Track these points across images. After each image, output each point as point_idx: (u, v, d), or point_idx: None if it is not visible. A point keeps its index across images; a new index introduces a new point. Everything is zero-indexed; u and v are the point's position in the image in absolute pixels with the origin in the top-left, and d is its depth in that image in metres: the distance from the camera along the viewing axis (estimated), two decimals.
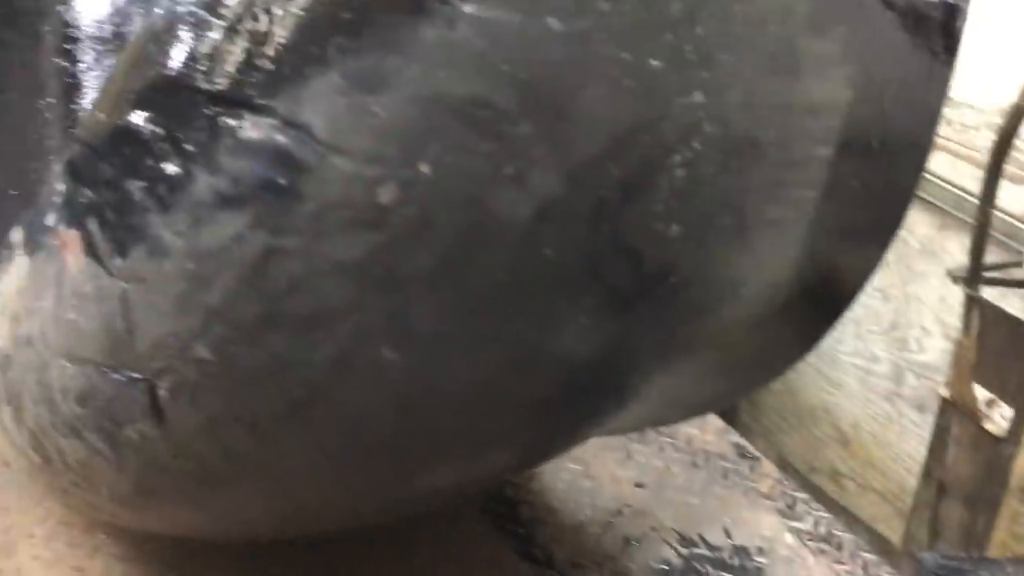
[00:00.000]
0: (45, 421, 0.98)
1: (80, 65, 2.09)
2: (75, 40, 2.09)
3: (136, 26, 2.14)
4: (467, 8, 0.76)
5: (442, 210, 0.81)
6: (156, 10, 0.84)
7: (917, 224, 2.66)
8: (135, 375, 0.88)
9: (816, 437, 3.14)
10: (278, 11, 0.77)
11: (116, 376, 0.89)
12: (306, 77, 0.77)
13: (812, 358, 3.10)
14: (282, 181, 0.79)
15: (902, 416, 2.80)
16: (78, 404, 0.93)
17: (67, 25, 2.09)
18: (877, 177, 1.06)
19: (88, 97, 2.09)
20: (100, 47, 2.12)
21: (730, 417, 3.37)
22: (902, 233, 2.43)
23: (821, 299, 1.14)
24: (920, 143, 1.08)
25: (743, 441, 1.60)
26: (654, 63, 0.82)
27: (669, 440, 1.59)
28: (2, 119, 1.92)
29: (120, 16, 2.15)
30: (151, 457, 0.94)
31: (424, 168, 0.79)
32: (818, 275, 1.09)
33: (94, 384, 0.91)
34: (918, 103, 1.05)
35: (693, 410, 1.36)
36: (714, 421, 1.63)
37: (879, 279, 2.83)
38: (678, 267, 0.93)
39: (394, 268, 0.82)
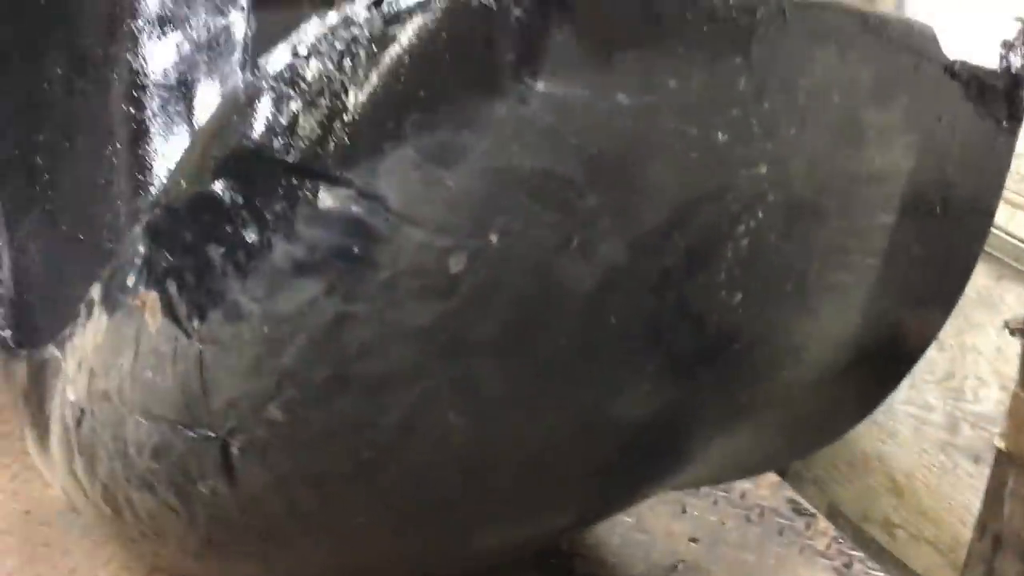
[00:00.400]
0: (118, 474, 1.01)
1: (147, 112, 2.15)
2: (142, 87, 2.16)
3: (200, 74, 2.20)
4: (539, 86, 0.78)
5: (510, 279, 0.83)
6: (238, 82, 0.87)
7: (975, 274, 2.63)
8: (208, 433, 0.91)
9: (869, 486, 3.10)
10: (356, 87, 0.79)
11: (190, 433, 0.92)
12: (382, 150, 0.79)
13: None
14: (356, 250, 0.81)
15: (957, 467, 2.76)
16: (152, 459, 0.96)
17: (135, 73, 2.16)
18: (940, 242, 1.06)
19: (155, 143, 2.15)
20: (166, 94, 2.19)
21: (783, 465, 3.34)
22: None
23: (882, 362, 1.14)
24: (984, 208, 1.08)
25: (798, 496, 1.59)
26: (720, 136, 0.84)
27: (723, 494, 1.59)
28: (71, 165, 1.98)
29: (185, 64, 2.22)
30: (220, 512, 0.97)
31: (493, 238, 0.81)
32: (880, 338, 1.09)
33: (168, 440, 0.94)
34: (982, 169, 1.05)
35: (752, 470, 1.36)
36: (769, 475, 1.62)
37: None
38: (741, 333, 0.94)
39: (462, 335, 0.84)
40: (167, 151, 2.13)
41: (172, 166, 2.12)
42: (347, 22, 0.80)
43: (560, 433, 0.94)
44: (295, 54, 0.82)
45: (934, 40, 0.96)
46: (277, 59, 0.83)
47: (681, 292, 0.88)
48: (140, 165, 2.09)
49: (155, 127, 2.13)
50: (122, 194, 2.03)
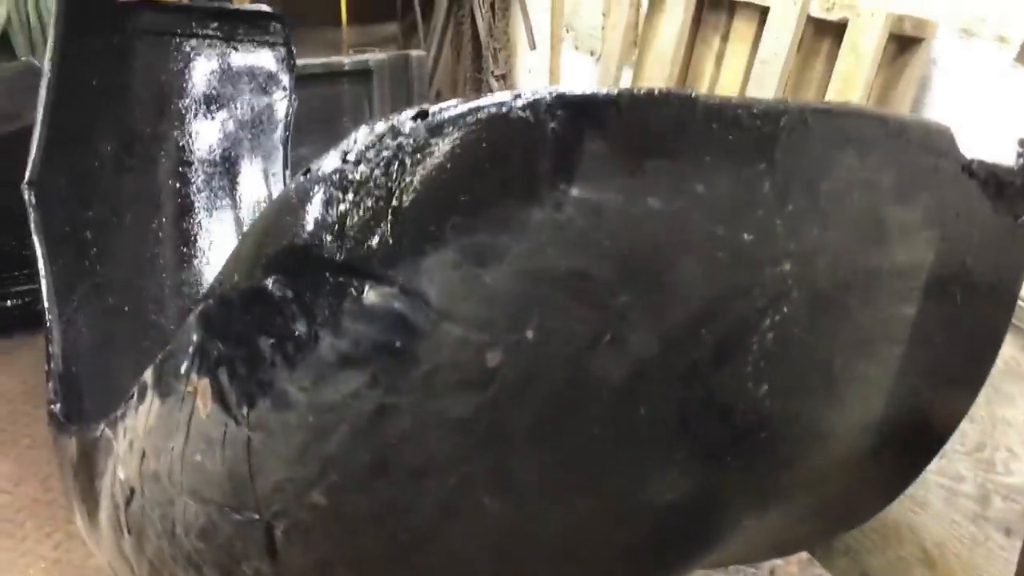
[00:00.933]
0: (166, 553, 1.05)
1: (192, 187, 2.24)
2: (188, 164, 2.24)
3: (244, 150, 2.29)
4: (574, 192, 0.82)
5: (545, 372, 0.87)
6: (289, 184, 0.92)
7: (1004, 345, 2.64)
8: (254, 516, 0.95)
9: (901, 557, 3.07)
10: (401, 192, 0.84)
11: (236, 516, 0.96)
12: (424, 251, 0.84)
13: None
14: (399, 344, 0.86)
15: (988, 539, 2.73)
16: (199, 540, 1.00)
17: (181, 150, 2.25)
18: (962, 329, 1.09)
19: (199, 217, 2.23)
20: (211, 170, 2.28)
21: None
22: None
23: (910, 444, 1.16)
24: (1006, 296, 1.11)
25: (826, 573, 1.60)
26: (746, 237, 0.88)
27: (753, 572, 1.60)
28: (119, 239, 2.06)
29: (229, 141, 2.31)
30: None
31: (529, 334, 0.85)
32: (906, 422, 1.11)
33: (215, 522, 0.98)
34: (1002, 261, 1.08)
35: (783, 550, 1.38)
36: (798, 552, 1.63)
37: None
38: (768, 422, 0.97)
39: (498, 424, 0.88)
40: (211, 225, 2.20)
41: (215, 240, 2.21)
42: (394, 131, 0.85)
43: (593, 517, 0.97)
44: (345, 160, 0.87)
45: (952, 140, 1.00)
46: (328, 164, 0.89)
47: (709, 383, 0.91)
48: (184, 238, 2.17)
49: (199, 202, 2.21)
50: (167, 267, 2.10)
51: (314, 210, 0.88)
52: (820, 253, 0.93)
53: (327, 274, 0.87)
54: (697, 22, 3.36)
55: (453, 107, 0.84)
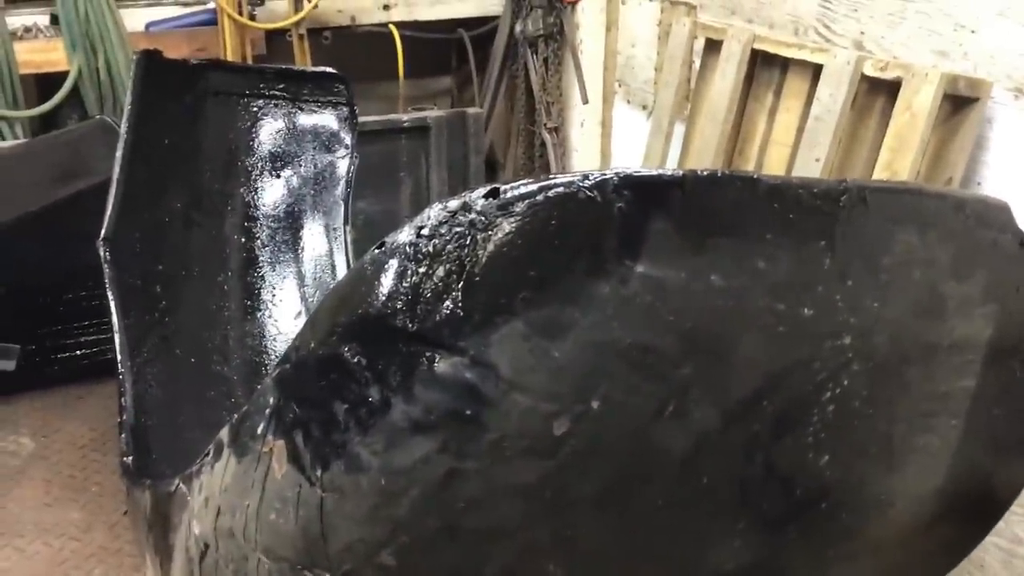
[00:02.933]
0: None
1: (257, 241, 2.31)
2: (254, 219, 2.31)
3: (307, 206, 2.35)
4: (640, 268, 0.85)
5: (609, 441, 0.89)
6: (365, 255, 0.96)
7: None
8: (325, 574, 0.98)
9: None
10: (472, 266, 0.88)
11: (308, 574, 0.99)
12: (494, 323, 0.87)
13: None
14: (468, 412, 0.89)
15: None
16: None
17: (247, 206, 2.32)
18: (1020, 399, 1.10)
19: (263, 270, 2.29)
20: (275, 225, 2.35)
21: None
22: None
23: (970, 513, 1.16)
24: None
25: None
26: (806, 312, 0.90)
27: None
28: (187, 292, 2.12)
29: (293, 197, 2.38)
30: None
31: (595, 404, 0.88)
32: (966, 491, 1.12)
33: None
34: None
35: None
36: None
37: None
38: (828, 493, 0.99)
39: (563, 492, 0.91)
40: (274, 279, 2.27)
41: (278, 293, 2.27)
42: (466, 207, 0.89)
43: None
44: (419, 234, 0.91)
45: (1010, 215, 1.01)
46: (403, 237, 0.93)
47: (770, 455, 0.93)
48: (249, 292, 2.23)
49: (264, 256, 2.28)
50: (231, 320, 2.16)
51: (388, 281, 0.92)
52: (879, 327, 0.95)
53: (400, 343, 0.91)
54: (750, 78, 3.40)
55: (523, 185, 0.87)
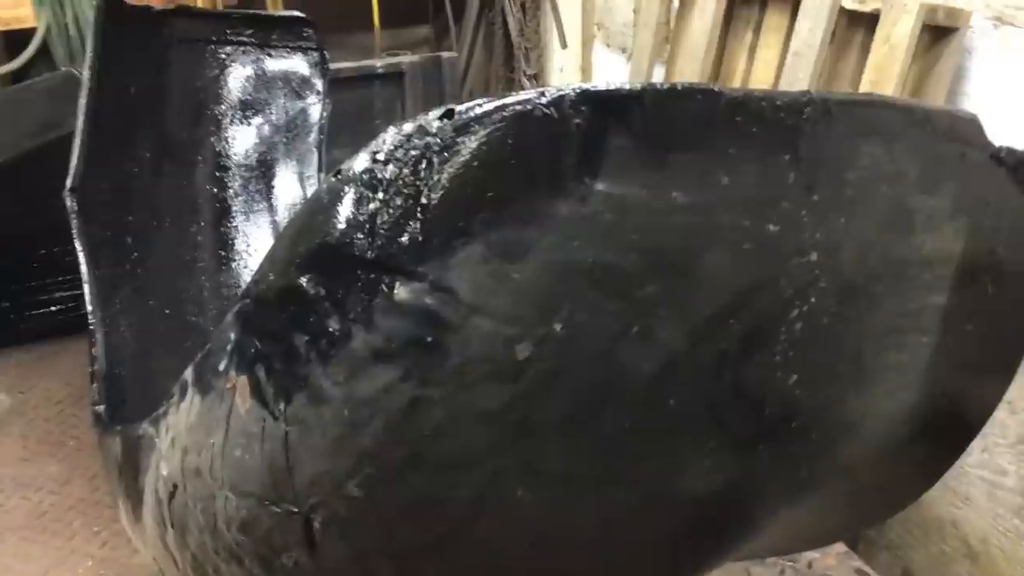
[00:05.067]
0: (208, 546, 1.08)
1: (229, 191, 2.28)
2: (225, 168, 2.28)
3: (279, 154, 2.32)
4: (599, 186, 0.84)
5: (574, 364, 0.88)
6: (320, 183, 0.94)
7: None
8: (292, 508, 0.97)
9: (944, 552, 3.05)
10: (430, 189, 0.86)
11: (275, 509, 0.98)
12: (453, 247, 0.86)
13: None
14: (430, 338, 0.87)
15: None
16: (240, 532, 1.03)
17: (218, 155, 2.29)
18: (993, 318, 1.09)
19: (236, 220, 2.27)
20: (247, 174, 2.31)
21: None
22: None
23: (942, 433, 1.16)
24: None
25: (865, 566, 1.60)
26: (772, 228, 0.89)
27: (790, 564, 1.61)
28: (159, 243, 2.10)
29: (265, 145, 2.34)
30: None
31: (557, 327, 0.86)
32: (938, 412, 1.11)
33: (255, 515, 1.00)
34: None
35: (819, 540, 1.38)
36: (836, 545, 1.63)
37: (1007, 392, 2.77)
38: (798, 412, 0.98)
39: (529, 416, 0.90)
40: (248, 228, 2.24)
41: (253, 243, 2.24)
42: (421, 131, 0.87)
43: (626, 508, 0.98)
44: (374, 160, 0.89)
45: (979, 128, 1.00)
46: (358, 164, 0.90)
47: (738, 374, 0.92)
48: (223, 242, 2.21)
49: (236, 206, 2.25)
50: (206, 270, 2.14)
51: (345, 209, 0.90)
52: (847, 243, 0.93)
53: (359, 271, 0.89)
54: (729, 16, 3.36)
55: (479, 106, 0.85)
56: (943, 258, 1.00)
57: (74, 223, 1.83)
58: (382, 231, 0.88)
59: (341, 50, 3.74)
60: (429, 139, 0.86)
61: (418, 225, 0.87)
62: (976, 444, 2.94)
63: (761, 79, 3.33)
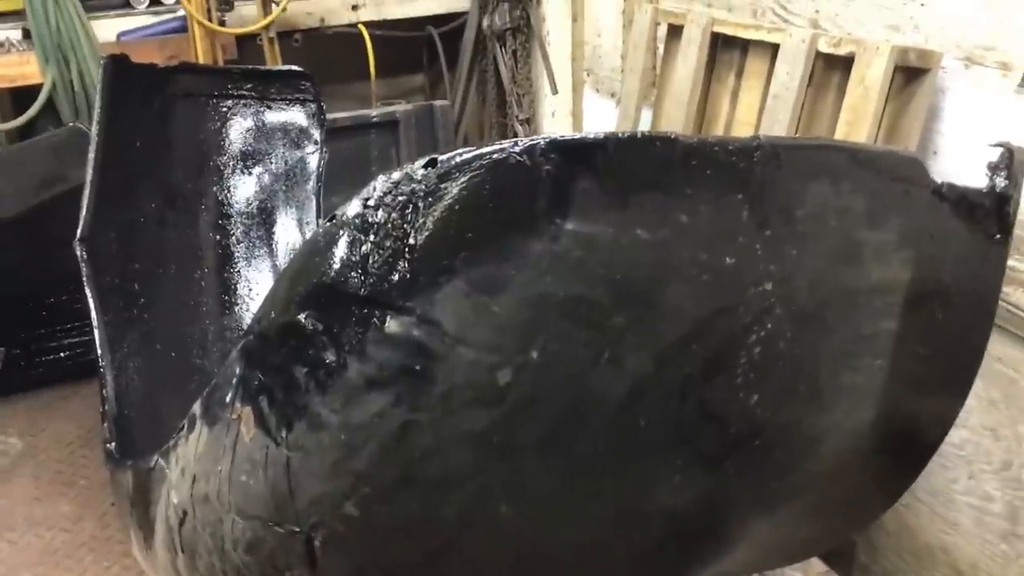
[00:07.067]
0: (216, 568, 1.15)
1: (232, 238, 2.37)
2: (227, 216, 2.38)
3: (279, 201, 2.42)
4: (569, 225, 0.92)
5: (550, 389, 0.96)
6: (317, 228, 1.03)
7: None
8: (294, 529, 1.05)
9: None
10: (416, 231, 0.95)
11: (279, 529, 1.06)
12: (438, 283, 0.94)
13: (927, 497, 3.09)
14: (418, 367, 0.96)
15: (1020, 556, 2.76)
16: (246, 553, 1.10)
17: (220, 204, 2.38)
18: (943, 341, 1.17)
19: (239, 266, 2.36)
20: (249, 221, 2.41)
21: (848, 557, 3.35)
22: (1011, 374, 2.49)
23: (902, 450, 1.23)
24: (984, 309, 1.19)
25: None
26: (728, 260, 0.97)
27: None
28: (164, 289, 2.19)
29: (265, 193, 2.44)
30: None
31: (534, 354, 0.95)
32: (896, 430, 1.19)
33: (260, 536, 1.08)
34: (978, 276, 1.16)
35: (793, 555, 1.44)
36: (816, 565, 1.70)
37: (989, 419, 2.84)
38: (761, 430, 1.06)
39: (510, 438, 0.98)
40: (250, 273, 2.33)
41: (254, 287, 2.33)
42: (408, 179, 0.96)
43: (603, 522, 1.05)
44: (366, 205, 0.98)
45: (921, 167, 1.08)
46: (351, 209, 0.99)
47: (702, 396, 1.00)
48: (225, 287, 2.30)
49: (238, 252, 2.34)
50: (209, 314, 2.23)
51: (340, 251, 0.99)
52: (799, 273, 1.02)
53: (353, 307, 0.98)
54: (712, 61, 3.47)
55: (459, 155, 0.94)
56: (892, 286, 1.09)
57: (84, 271, 1.92)
58: (373, 270, 0.97)
59: (338, 99, 3.85)
60: (415, 186, 0.95)
61: (406, 264, 0.95)
62: (962, 471, 3.01)
63: (743, 121, 3.44)
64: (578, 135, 0.93)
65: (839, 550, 3.14)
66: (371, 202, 0.98)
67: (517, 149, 0.92)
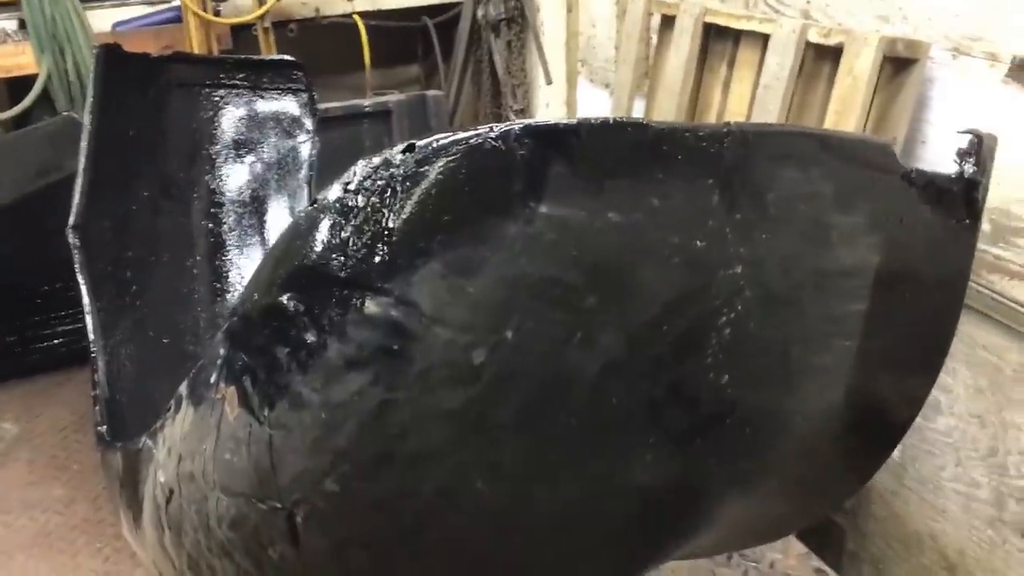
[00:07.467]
0: (202, 544, 1.18)
1: (224, 226, 2.39)
2: (220, 205, 2.40)
3: (271, 190, 2.44)
4: (543, 209, 0.95)
5: (524, 368, 0.99)
6: (299, 212, 1.05)
7: (1010, 352, 2.71)
8: (277, 505, 1.08)
9: (923, 565, 3.12)
10: (394, 214, 0.98)
11: (261, 506, 1.09)
12: (415, 265, 0.97)
13: (915, 485, 3.12)
14: (396, 347, 0.98)
15: (1006, 542, 2.79)
16: (230, 529, 1.13)
17: (213, 192, 2.40)
18: (912, 324, 1.20)
19: (231, 254, 2.38)
20: (241, 210, 2.43)
21: (837, 544, 3.38)
22: (996, 361, 2.52)
23: (872, 431, 1.26)
24: (953, 292, 1.21)
25: (824, 566, 1.69)
26: (699, 244, 1.00)
27: (754, 564, 1.70)
28: (157, 277, 2.21)
29: (257, 182, 2.46)
30: (288, 575, 1.12)
31: (508, 334, 0.97)
32: (866, 410, 1.22)
33: (243, 513, 1.11)
34: (946, 260, 1.19)
35: (767, 534, 1.47)
36: (797, 546, 1.73)
37: (976, 406, 2.87)
38: (732, 410, 1.08)
39: (485, 415, 1.00)
40: (241, 261, 2.36)
41: (246, 275, 2.35)
42: (386, 163, 0.98)
43: (578, 498, 1.08)
44: (346, 190, 1.01)
45: (890, 153, 1.11)
46: (332, 194, 1.02)
47: (674, 375, 1.03)
48: (217, 274, 2.32)
49: (231, 240, 2.37)
50: (201, 301, 2.25)
51: (321, 235, 1.02)
52: (769, 256, 1.04)
53: (333, 289, 1.00)
54: (704, 52, 3.49)
55: (437, 140, 0.97)
56: (861, 269, 1.11)
57: (76, 259, 1.94)
58: (353, 252, 0.99)
59: (334, 90, 3.87)
60: (393, 170, 0.98)
61: (384, 246, 0.98)
62: (950, 458, 3.04)
63: (735, 111, 3.46)
64: (551, 120, 0.95)
65: (830, 540, 3.17)
66: (351, 186, 1.01)
67: (493, 134, 0.95)
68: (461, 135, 0.96)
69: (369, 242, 0.99)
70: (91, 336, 1.85)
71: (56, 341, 2.49)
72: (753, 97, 3.29)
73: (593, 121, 0.95)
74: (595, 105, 4.32)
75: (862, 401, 1.19)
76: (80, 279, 1.92)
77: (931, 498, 3.15)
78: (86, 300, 1.89)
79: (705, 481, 1.14)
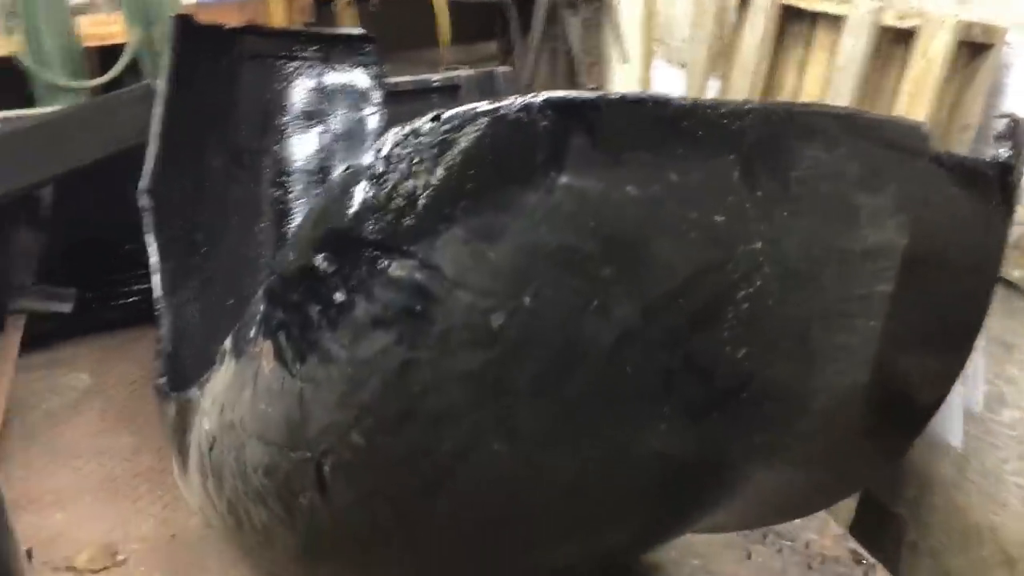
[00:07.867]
0: (240, 491, 1.25)
1: (291, 195, 2.47)
2: (288, 173, 2.48)
3: (338, 160, 2.50)
4: (562, 179, 0.98)
5: (541, 333, 1.02)
6: (334, 177, 1.10)
7: None
8: (306, 454, 1.13)
9: (982, 558, 3.08)
10: (422, 181, 1.02)
11: (292, 455, 1.15)
12: (439, 230, 1.01)
13: (977, 478, 3.07)
14: (419, 308, 1.03)
15: None
16: (264, 477, 1.19)
17: (282, 161, 2.48)
18: (941, 307, 1.19)
19: (296, 221, 2.45)
20: (308, 178, 2.50)
21: (897, 534, 3.35)
22: None
23: (898, 414, 1.26)
24: (984, 275, 1.21)
25: (860, 548, 1.69)
26: (718, 219, 1.01)
27: (788, 543, 1.71)
28: (226, 241, 2.30)
29: (325, 152, 2.53)
30: (317, 522, 1.19)
31: (527, 300, 1.01)
32: (891, 393, 1.22)
33: (276, 461, 1.17)
34: (978, 243, 1.18)
35: (787, 512, 1.48)
36: (833, 527, 1.73)
37: None
38: (749, 384, 1.10)
39: (503, 378, 1.04)
40: None
41: None
42: (416, 132, 1.02)
43: (593, 463, 1.11)
44: (377, 156, 1.05)
45: (923, 136, 1.10)
46: (365, 159, 1.07)
47: (688, 348, 1.05)
48: (283, 241, 2.40)
49: (296, 208, 2.44)
50: (266, 266, 2.33)
51: (353, 198, 1.06)
52: (790, 234, 1.05)
53: (362, 251, 1.05)
54: (781, 32, 3.45)
55: (464, 111, 1.00)
56: (887, 250, 1.11)
57: (146, 220, 2.04)
58: (381, 216, 1.04)
59: (412, 64, 3.93)
60: (422, 138, 1.02)
61: (411, 211, 1.02)
62: (1013, 451, 2.99)
63: (810, 92, 3.42)
64: (573, 93, 0.98)
65: (891, 530, 3.15)
66: (383, 153, 1.05)
67: (516, 106, 0.98)
68: (487, 107, 1.00)
69: (397, 207, 1.03)
70: (157, 294, 1.94)
71: (133, 299, 2.60)
72: (828, 79, 3.25)
73: (614, 95, 0.98)
74: (670, 84, 4.31)
75: (886, 382, 1.19)
76: (148, 239, 2.01)
77: (992, 491, 3.10)
78: (153, 260, 1.98)
79: (723, 453, 1.16)
